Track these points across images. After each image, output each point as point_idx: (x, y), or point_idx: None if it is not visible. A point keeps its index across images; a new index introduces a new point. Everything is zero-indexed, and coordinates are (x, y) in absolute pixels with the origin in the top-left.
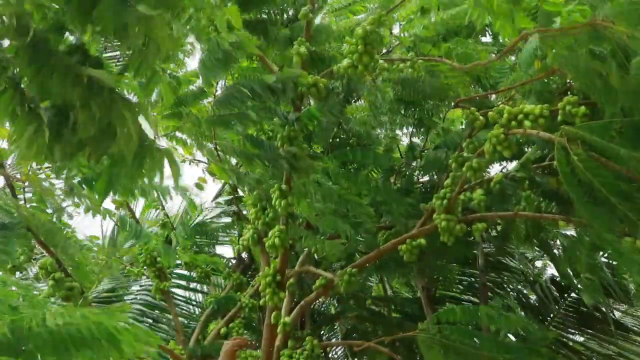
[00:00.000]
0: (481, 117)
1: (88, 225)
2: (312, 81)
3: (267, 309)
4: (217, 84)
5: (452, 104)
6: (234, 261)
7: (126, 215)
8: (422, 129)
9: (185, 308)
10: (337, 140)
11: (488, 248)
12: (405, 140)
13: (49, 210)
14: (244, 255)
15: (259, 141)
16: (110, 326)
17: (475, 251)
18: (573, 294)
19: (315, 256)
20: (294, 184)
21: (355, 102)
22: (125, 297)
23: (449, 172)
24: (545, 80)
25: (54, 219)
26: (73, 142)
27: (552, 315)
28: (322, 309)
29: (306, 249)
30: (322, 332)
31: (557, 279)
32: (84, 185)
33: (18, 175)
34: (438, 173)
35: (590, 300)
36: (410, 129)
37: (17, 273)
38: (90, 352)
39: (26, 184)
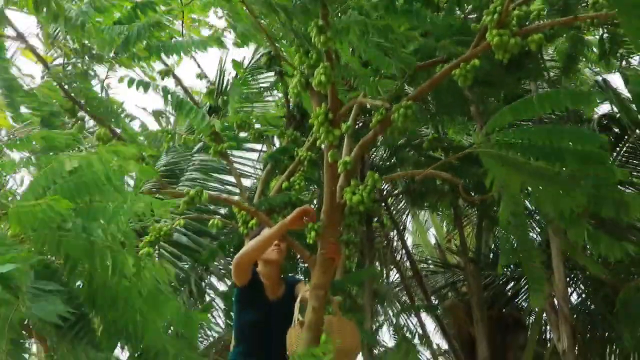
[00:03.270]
0: None
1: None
2: None
3: (324, 150)
4: None
5: None
6: None
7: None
8: None
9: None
10: None
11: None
12: None
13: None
14: (295, 113)
15: None
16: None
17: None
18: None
19: None
20: (330, 19)
21: None
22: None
23: None
24: None
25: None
26: None
27: (614, 156)
28: (381, 163)
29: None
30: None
31: (617, 115)
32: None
33: None
34: None
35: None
36: None
37: None
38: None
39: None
